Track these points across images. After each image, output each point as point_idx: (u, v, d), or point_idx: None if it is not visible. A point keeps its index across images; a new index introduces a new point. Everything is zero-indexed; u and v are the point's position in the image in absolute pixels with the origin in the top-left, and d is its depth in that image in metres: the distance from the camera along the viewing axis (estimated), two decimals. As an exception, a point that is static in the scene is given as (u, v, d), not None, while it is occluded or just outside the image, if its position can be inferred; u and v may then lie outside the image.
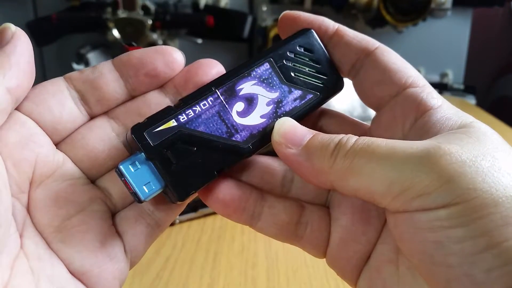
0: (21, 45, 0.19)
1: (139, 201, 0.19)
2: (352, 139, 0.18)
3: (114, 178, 0.21)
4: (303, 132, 0.20)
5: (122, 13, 0.90)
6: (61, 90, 0.20)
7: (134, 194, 0.19)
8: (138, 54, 0.21)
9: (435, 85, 1.09)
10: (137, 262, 0.23)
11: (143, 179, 0.19)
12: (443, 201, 0.15)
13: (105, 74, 0.21)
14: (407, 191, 0.16)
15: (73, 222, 0.20)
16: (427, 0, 0.91)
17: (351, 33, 0.22)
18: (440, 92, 1.08)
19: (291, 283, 0.36)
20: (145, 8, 0.91)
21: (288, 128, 0.20)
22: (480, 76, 1.20)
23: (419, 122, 0.19)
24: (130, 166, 0.19)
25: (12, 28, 0.19)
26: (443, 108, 0.19)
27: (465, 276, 0.15)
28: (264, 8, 1.01)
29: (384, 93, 0.21)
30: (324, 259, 0.24)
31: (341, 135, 0.18)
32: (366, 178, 0.17)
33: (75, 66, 0.94)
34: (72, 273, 0.20)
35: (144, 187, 0.19)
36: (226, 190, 0.21)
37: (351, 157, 0.17)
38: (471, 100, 1.04)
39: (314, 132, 0.20)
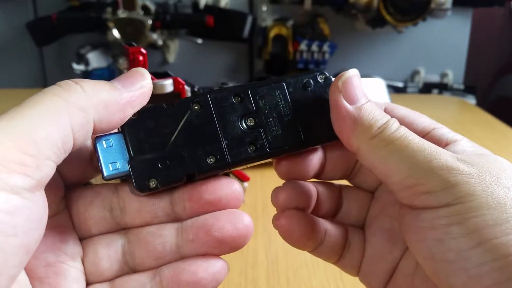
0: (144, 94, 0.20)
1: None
2: (395, 125, 0.20)
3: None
4: (361, 94, 0.21)
5: (122, 13, 0.90)
6: None
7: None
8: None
9: (435, 85, 1.09)
10: None
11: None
12: (445, 200, 0.17)
13: None
14: (417, 186, 0.18)
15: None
16: (427, 0, 0.91)
17: None
18: (440, 92, 1.08)
19: (291, 283, 0.36)
20: (145, 8, 0.91)
21: (350, 80, 0.21)
22: (480, 76, 1.20)
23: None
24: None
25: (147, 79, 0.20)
26: (465, 140, 0.22)
27: (461, 270, 0.17)
28: (264, 8, 1.01)
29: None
30: (324, 260, 0.25)
31: (388, 117, 0.20)
32: (390, 163, 0.19)
33: (75, 66, 0.94)
34: None
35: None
36: (300, 224, 0.23)
37: (388, 141, 0.19)
38: (471, 100, 1.04)
39: (369, 98, 0.21)
